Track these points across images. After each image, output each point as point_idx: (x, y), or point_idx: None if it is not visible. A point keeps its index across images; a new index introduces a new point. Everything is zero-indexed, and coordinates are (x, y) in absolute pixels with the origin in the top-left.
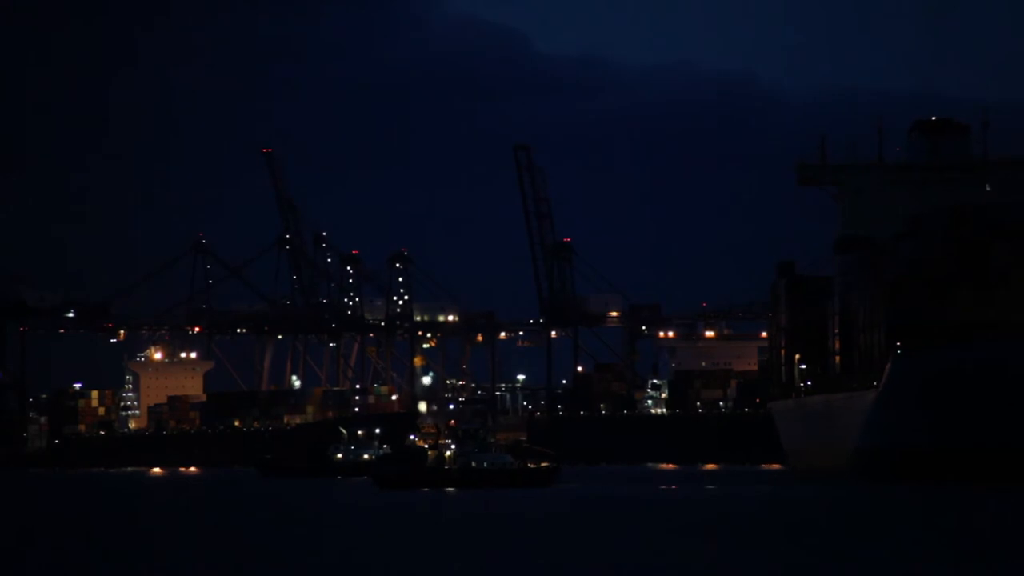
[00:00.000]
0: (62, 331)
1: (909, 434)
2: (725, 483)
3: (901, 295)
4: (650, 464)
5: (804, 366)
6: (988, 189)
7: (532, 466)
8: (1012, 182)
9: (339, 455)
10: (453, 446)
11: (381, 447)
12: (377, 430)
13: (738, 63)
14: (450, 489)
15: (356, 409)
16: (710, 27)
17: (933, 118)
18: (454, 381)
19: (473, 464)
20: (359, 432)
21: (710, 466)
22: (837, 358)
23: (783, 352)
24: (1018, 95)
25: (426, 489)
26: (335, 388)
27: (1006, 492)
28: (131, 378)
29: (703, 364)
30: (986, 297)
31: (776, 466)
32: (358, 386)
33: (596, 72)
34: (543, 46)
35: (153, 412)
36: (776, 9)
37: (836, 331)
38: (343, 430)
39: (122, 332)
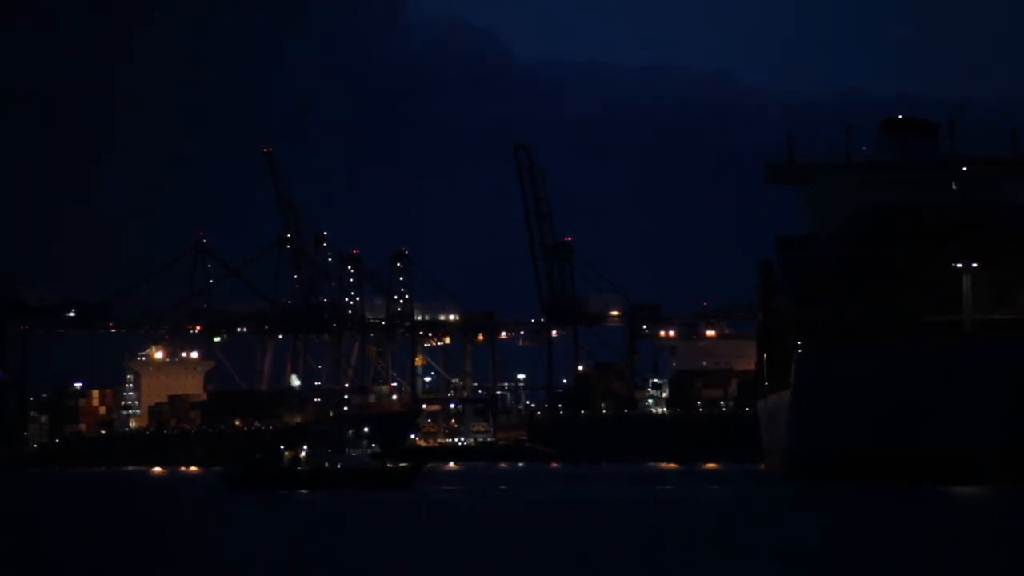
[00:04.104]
0: (62, 331)
1: (819, 436)
2: (619, 483)
3: (808, 295)
4: (651, 463)
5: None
6: (954, 188)
7: (390, 467)
8: (979, 181)
9: None
10: (306, 447)
11: (371, 447)
12: (365, 428)
13: (722, 63)
14: (303, 491)
15: (345, 408)
16: (692, 29)
17: (900, 116)
18: (455, 381)
19: (327, 465)
20: (349, 432)
21: (711, 465)
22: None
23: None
24: (990, 93)
25: (281, 491)
26: (336, 387)
27: (913, 492)
28: (132, 377)
29: (704, 363)
30: (887, 298)
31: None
32: (347, 385)
33: (590, 74)
34: (528, 50)
35: (154, 411)
36: (759, 10)
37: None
38: None
39: (123, 331)
